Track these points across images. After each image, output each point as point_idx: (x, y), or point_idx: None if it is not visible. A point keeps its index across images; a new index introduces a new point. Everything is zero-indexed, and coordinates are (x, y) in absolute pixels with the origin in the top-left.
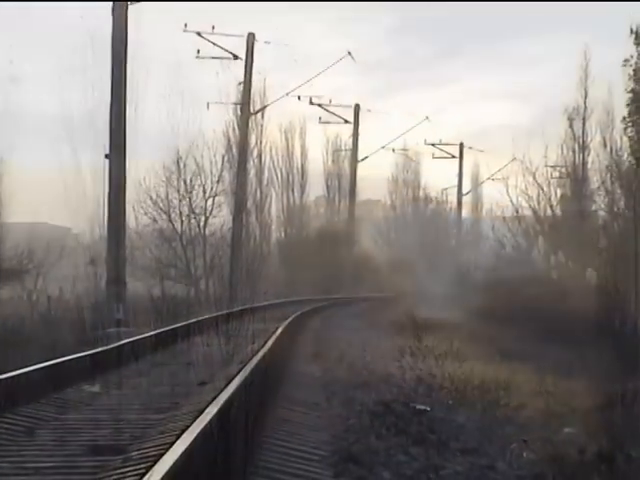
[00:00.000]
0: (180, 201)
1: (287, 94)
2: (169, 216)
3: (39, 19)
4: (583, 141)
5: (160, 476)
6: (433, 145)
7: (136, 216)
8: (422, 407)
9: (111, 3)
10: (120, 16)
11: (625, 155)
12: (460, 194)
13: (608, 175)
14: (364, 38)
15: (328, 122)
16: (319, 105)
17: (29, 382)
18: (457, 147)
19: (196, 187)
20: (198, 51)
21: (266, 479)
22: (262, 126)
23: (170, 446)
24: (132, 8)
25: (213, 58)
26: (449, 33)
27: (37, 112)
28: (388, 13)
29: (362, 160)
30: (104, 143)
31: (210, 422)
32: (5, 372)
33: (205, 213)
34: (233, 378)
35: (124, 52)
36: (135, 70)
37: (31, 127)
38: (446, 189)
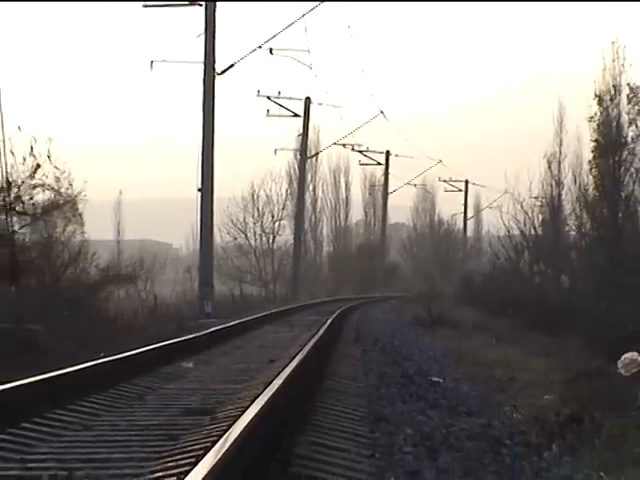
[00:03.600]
0: (254, 223)
1: (334, 143)
2: (246, 235)
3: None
4: (559, 178)
5: (239, 431)
6: (445, 181)
7: (221, 235)
8: (436, 379)
9: (202, 74)
10: (209, 84)
11: (590, 189)
12: (465, 219)
13: (577, 204)
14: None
15: (366, 164)
16: (359, 151)
17: (140, 360)
18: (463, 183)
19: (266, 213)
20: (268, 110)
21: (319, 434)
22: (316, 167)
23: (246, 409)
24: (219, 77)
25: (279, 116)
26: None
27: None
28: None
29: (391, 193)
30: (197, 179)
31: (277, 391)
32: (122, 352)
33: (273, 233)
34: (294, 357)
35: (212, 110)
36: (221, 124)
37: (142, 166)
38: (455, 215)
